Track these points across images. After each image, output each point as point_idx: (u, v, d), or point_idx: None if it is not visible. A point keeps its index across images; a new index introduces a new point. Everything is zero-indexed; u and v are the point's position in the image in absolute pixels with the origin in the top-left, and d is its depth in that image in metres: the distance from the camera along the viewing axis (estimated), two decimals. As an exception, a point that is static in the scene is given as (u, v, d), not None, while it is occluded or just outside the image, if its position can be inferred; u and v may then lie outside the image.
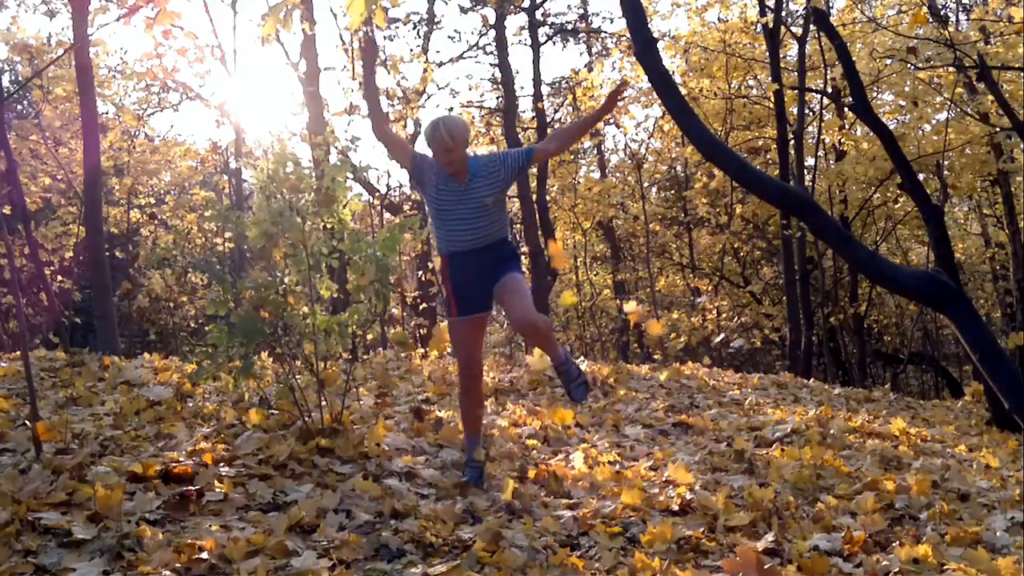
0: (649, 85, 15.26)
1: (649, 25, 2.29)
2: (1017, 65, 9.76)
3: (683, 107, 2.22)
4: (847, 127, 13.79)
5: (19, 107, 19.24)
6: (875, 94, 13.70)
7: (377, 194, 16.34)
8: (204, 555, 2.71)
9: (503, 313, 3.86)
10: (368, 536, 3.08)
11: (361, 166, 4.57)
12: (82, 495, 3.11)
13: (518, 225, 18.70)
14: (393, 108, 16.35)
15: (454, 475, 4.01)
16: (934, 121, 14.28)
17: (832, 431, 5.52)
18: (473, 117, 18.01)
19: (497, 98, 16.86)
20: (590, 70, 16.45)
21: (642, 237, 19.39)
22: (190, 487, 3.32)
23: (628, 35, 20.95)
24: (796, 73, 13.39)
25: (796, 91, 13.26)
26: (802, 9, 13.26)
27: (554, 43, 19.50)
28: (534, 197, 15.40)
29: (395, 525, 3.22)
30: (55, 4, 16.72)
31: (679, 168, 20.19)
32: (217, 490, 3.38)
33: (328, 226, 4.45)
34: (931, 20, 10.69)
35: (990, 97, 9.30)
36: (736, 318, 18.82)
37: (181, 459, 3.71)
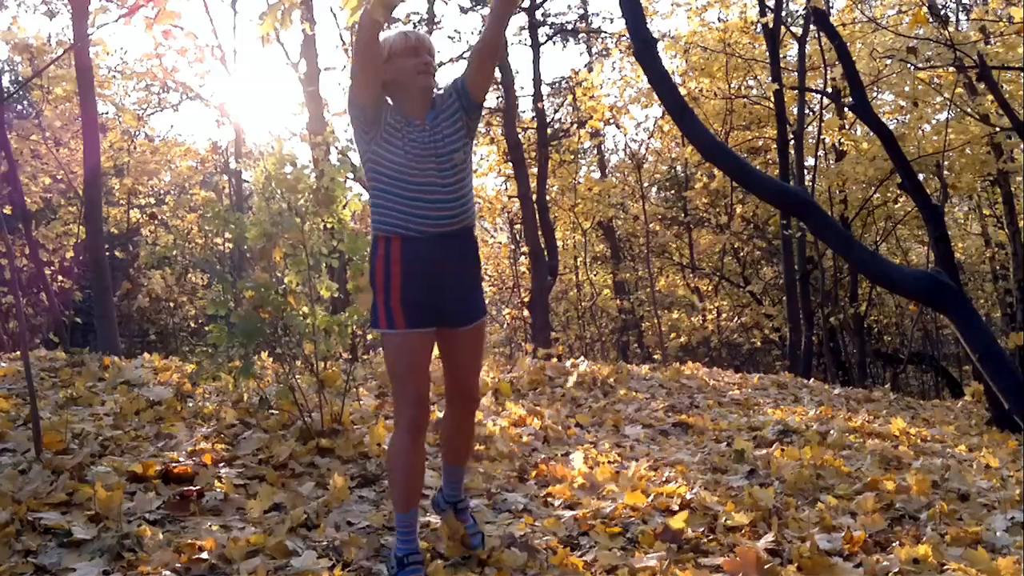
0: (649, 85, 15.28)
1: (648, 25, 2.28)
2: (1017, 65, 9.76)
3: (682, 107, 2.22)
4: (847, 127, 13.78)
5: (19, 107, 19.23)
6: (875, 94, 13.70)
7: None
8: (204, 555, 2.71)
9: (449, 366, 2.74)
10: (368, 536, 3.08)
11: (361, 166, 4.53)
12: (82, 495, 3.11)
13: (518, 225, 18.71)
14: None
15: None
16: (934, 121, 14.29)
17: (832, 431, 5.52)
18: (473, 117, 17.99)
19: (497, 98, 16.85)
20: (590, 70, 16.47)
21: (642, 237, 19.39)
22: (190, 487, 3.32)
23: (628, 35, 21.00)
24: (796, 73, 13.39)
25: (796, 91, 13.26)
26: (802, 9, 13.26)
27: (554, 43, 19.50)
28: (534, 197, 15.39)
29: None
30: (55, 4, 16.74)
31: (679, 168, 20.19)
32: (217, 490, 3.38)
33: (328, 226, 4.46)
34: (931, 20, 10.68)
35: (990, 97, 9.30)
36: (736, 318, 18.83)
37: (181, 459, 3.72)
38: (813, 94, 13.66)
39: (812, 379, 10.78)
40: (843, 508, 3.73)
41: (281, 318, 4.29)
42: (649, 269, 18.38)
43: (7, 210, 10.65)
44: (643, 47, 2.23)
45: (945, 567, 2.91)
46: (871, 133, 10.51)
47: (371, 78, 2.49)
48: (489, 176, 18.97)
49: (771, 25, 12.43)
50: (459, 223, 2.53)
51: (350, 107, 2.54)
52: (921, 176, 11.40)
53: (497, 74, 15.67)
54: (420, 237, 2.48)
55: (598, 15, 36.32)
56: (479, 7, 17.75)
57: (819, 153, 15.32)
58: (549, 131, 17.85)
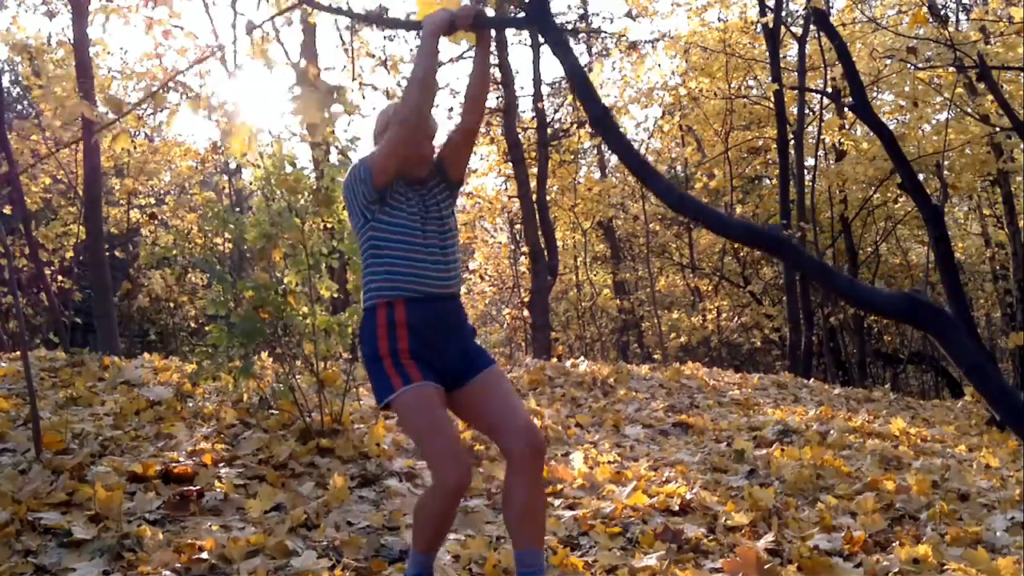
0: (649, 85, 15.27)
1: (601, 99, 2.36)
2: (1017, 65, 9.76)
3: (644, 166, 2.27)
4: (847, 127, 13.78)
5: (19, 107, 19.24)
6: (875, 94, 13.70)
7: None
8: (204, 555, 2.71)
9: (483, 419, 2.47)
10: (368, 536, 3.08)
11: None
12: (82, 495, 3.11)
13: (518, 225, 18.71)
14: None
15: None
16: (934, 121, 14.29)
17: (832, 431, 5.52)
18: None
19: (497, 98, 16.86)
20: (590, 70, 16.47)
21: (642, 237, 19.39)
22: (190, 487, 3.32)
23: (628, 35, 20.79)
24: (796, 73, 13.39)
25: (796, 91, 13.26)
26: (802, 9, 13.26)
27: (554, 43, 19.48)
28: (534, 197, 15.39)
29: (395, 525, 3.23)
30: (55, 4, 16.72)
31: (679, 168, 20.18)
32: (217, 490, 3.38)
33: (328, 226, 4.46)
34: (931, 20, 10.68)
35: (990, 97, 9.29)
36: (736, 318, 18.83)
37: (181, 459, 3.72)
38: (813, 94, 13.66)
39: (812, 379, 10.78)
40: (843, 508, 3.73)
41: (281, 318, 4.29)
42: (649, 269, 18.38)
43: (7, 210, 10.66)
44: (598, 118, 2.29)
45: (945, 567, 2.91)
46: (871, 133, 10.51)
47: (406, 162, 2.47)
48: (489, 176, 18.96)
49: (771, 25, 12.44)
50: (455, 286, 2.51)
51: (367, 185, 2.45)
52: (921, 176, 11.41)
53: (497, 74, 15.69)
54: (423, 298, 2.42)
55: (598, 15, 36.33)
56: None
57: (819, 153, 15.32)
58: (549, 131, 17.83)
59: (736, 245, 18.37)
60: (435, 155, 2.59)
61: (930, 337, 1.98)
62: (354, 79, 12.54)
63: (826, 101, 14.23)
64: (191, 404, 4.94)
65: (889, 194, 15.70)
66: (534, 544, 2.35)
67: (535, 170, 16.32)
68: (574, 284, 20.94)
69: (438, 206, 2.53)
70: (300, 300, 4.33)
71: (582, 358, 10.51)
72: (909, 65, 11.26)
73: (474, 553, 2.92)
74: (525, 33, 17.44)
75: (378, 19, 3.37)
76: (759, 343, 19.16)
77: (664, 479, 4.07)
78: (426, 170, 2.54)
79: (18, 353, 6.18)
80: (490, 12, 16.54)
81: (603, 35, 19.70)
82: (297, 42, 13.79)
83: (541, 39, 17.88)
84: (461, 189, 2.74)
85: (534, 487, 2.36)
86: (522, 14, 2.57)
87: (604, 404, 6.40)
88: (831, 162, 16.20)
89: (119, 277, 15.74)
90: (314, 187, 4.34)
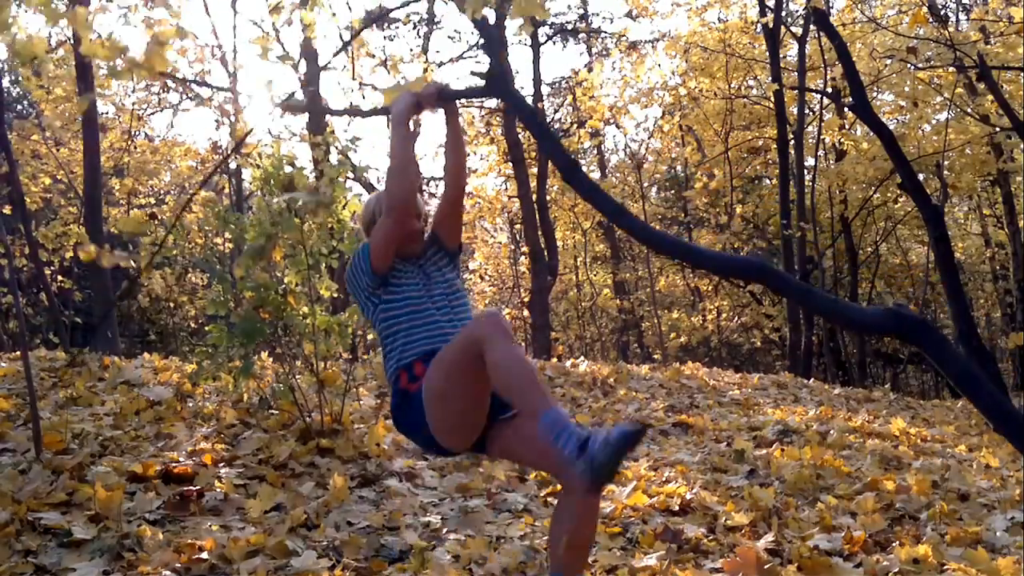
0: (649, 85, 15.26)
1: (568, 153, 2.42)
2: (1017, 65, 9.76)
3: (619, 210, 2.32)
4: (847, 127, 13.77)
5: (19, 107, 19.24)
6: (875, 94, 13.70)
7: (377, 194, 16.26)
8: (204, 555, 2.72)
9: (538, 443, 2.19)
10: (368, 536, 3.08)
11: (361, 166, 4.53)
12: (82, 495, 3.11)
13: (518, 225, 18.71)
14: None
15: (456, 477, 4.01)
16: (934, 121, 14.28)
17: (832, 431, 5.52)
18: (473, 117, 18.00)
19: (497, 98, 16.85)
20: (590, 70, 16.47)
21: (642, 237, 19.36)
22: (190, 487, 3.33)
23: (628, 35, 20.79)
24: (796, 73, 13.39)
25: (796, 91, 13.26)
26: (802, 9, 13.25)
27: (554, 43, 19.49)
28: (534, 197, 15.39)
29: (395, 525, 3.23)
30: (55, 4, 16.69)
31: (679, 168, 20.18)
32: (217, 490, 3.39)
33: (328, 226, 4.46)
34: (931, 20, 10.68)
35: (990, 97, 9.29)
36: (736, 318, 18.83)
37: (181, 459, 3.72)
38: (813, 94, 13.66)
39: (812, 379, 10.77)
40: (843, 508, 3.73)
41: (281, 318, 4.29)
42: (649, 269, 18.38)
43: (7, 210, 10.65)
44: (569, 171, 2.34)
45: (945, 567, 2.91)
46: (871, 133, 10.51)
47: (399, 242, 2.51)
48: (489, 176, 18.96)
49: (771, 25, 12.43)
50: None
51: (368, 275, 2.49)
52: (921, 176, 11.40)
53: (497, 74, 15.62)
54: (430, 352, 2.40)
55: (598, 15, 36.32)
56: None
57: (819, 153, 15.31)
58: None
59: (736, 245, 18.38)
60: (426, 229, 2.66)
61: (920, 350, 1.98)
62: (354, 79, 12.53)
63: (826, 101, 14.22)
64: (191, 404, 4.94)
65: (889, 194, 15.69)
66: (581, 566, 2.34)
67: (535, 170, 16.32)
68: (574, 284, 20.94)
69: (440, 271, 2.59)
70: (300, 300, 4.33)
71: (582, 358, 10.51)
72: (909, 65, 11.26)
73: (474, 553, 2.92)
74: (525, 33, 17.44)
75: (351, 111, 3.47)
76: (759, 343, 19.16)
77: (664, 479, 4.07)
78: (419, 246, 2.60)
79: (18, 353, 6.18)
80: (490, 12, 16.52)
81: (603, 35, 19.71)
82: (297, 42, 13.80)
83: (541, 39, 17.90)
84: (463, 254, 2.78)
85: (593, 514, 2.33)
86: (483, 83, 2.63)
87: (604, 404, 6.40)
88: (831, 162, 16.19)
89: (119, 277, 15.73)
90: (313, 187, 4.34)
